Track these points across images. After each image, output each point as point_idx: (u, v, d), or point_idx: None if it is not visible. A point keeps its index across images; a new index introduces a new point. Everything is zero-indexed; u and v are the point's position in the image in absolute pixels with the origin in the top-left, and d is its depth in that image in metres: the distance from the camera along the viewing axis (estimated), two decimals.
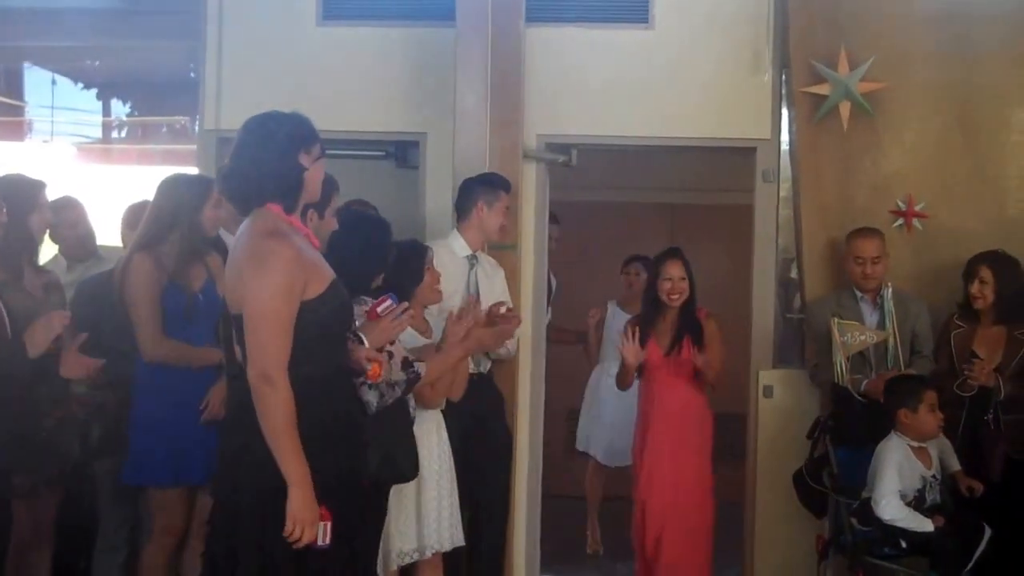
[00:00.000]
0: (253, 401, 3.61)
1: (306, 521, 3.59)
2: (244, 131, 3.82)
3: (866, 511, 5.61)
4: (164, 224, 5.05)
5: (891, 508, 5.51)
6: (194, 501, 5.04)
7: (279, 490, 3.60)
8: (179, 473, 4.95)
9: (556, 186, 7.03)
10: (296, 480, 3.59)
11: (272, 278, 3.62)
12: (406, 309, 4.28)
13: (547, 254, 7.36)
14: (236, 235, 3.88)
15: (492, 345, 5.37)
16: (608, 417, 7.82)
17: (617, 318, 7.74)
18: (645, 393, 6.39)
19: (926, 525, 5.48)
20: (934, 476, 5.63)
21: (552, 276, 7.77)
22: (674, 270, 6.26)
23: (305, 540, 3.59)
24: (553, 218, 7.57)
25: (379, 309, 4.21)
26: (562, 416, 8.38)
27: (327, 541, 3.65)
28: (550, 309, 7.72)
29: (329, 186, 4.18)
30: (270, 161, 3.75)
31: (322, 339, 3.73)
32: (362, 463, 3.97)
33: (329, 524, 3.65)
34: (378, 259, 4.76)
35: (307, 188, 3.83)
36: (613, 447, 7.80)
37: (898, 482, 5.54)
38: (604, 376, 7.79)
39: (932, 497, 5.59)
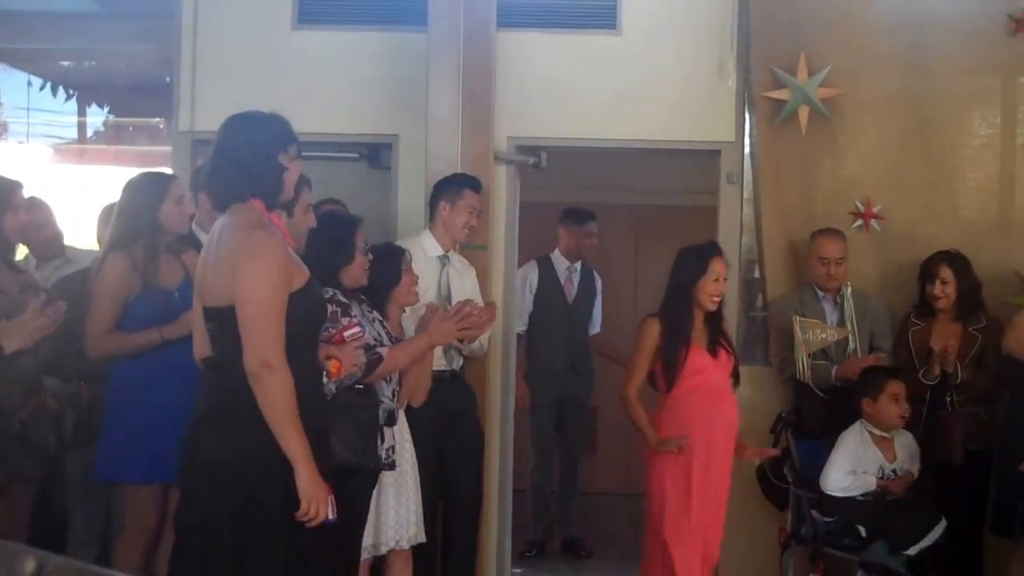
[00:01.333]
0: (252, 388, 3.66)
1: (319, 498, 3.67)
2: (228, 129, 3.89)
3: (825, 503, 5.78)
4: (130, 224, 5.08)
5: (834, 479, 5.73)
6: (167, 498, 4.98)
7: (259, 481, 3.67)
8: (153, 470, 4.92)
9: (526, 187, 7.13)
10: (302, 460, 3.66)
11: (267, 267, 3.70)
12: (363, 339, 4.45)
13: (591, 252, 7.73)
14: (214, 229, 3.91)
15: (456, 337, 5.27)
16: None
17: None
18: (687, 408, 5.56)
19: (869, 483, 5.68)
20: (894, 470, 5.77)
21: (596, 276, 7.99)
22: (722, 267, 5.67)
23: (320, 517, 3.68)
24: (591, 215, 7.73)
25: (346, 335, 4.34)
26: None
27: (334, 514, 3.75)
28: (601, 321, 8.01)
29: (300, 185, 4.26)
30: (254, 159, 3.82)
31: (299, 333, 3.79)
32: (331, 453, 4.05)
33: (332, 497, 3.75)
34: (344, 255, 4.83)
35: (285, 187, 3.92)
36: None
37: (848, 464, 5.72)
38: None
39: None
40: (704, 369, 5.55)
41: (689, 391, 5.54)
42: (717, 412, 5.56)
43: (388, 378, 4.92)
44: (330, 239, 4.66)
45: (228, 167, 3.86)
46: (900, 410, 5.76)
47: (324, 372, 4.22)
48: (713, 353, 5.59)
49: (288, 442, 3.66)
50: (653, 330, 5.57)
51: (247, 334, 3.68)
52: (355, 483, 4.60)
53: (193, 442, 3.85)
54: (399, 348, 4.87)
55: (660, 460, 5.54)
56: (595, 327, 7.98)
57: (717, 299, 5.59)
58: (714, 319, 5.66)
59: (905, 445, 5.85)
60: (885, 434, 5.78)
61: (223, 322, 3.77)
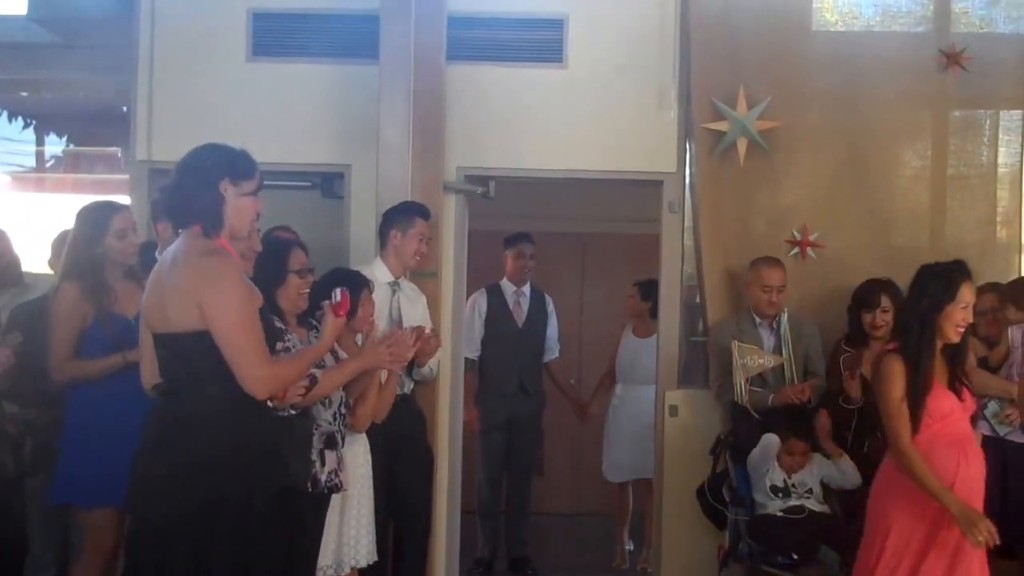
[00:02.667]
0: (262, 396, 3.83)
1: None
2: (183, 157, 3.99)
3: (756, 525, 5.94)
4: (80, 254, 5.14)
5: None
6: (124, 521, 4.91)
7: (209, 507, 3.74)
8: (108, 492, 4.83)
9: (475, 216, 7.27)
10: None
11: (232, 290, 3.77)
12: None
13: (530, 273, 7.85)
14: (164, 255, 3.97)
15: (388, 362, 5.08)
16: (616, 437, 8.14)
17: (628, 340, 8.12)
18: (928, 461, 4.64)
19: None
20: (796, 484, 5.97)
21: (548, 299, 8.12)
22: (971, 293, 4.83)
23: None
24: (527, 237, 7.87)
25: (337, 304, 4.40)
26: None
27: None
28: (559, 345, 8.16)
29: None
30: (192, 186, 3.89)
31: None
32: (285, 477, 4.05)
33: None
34: (275, 277, 4.87)
35: (229, 218, 3.92)
36: (626, 463, 8.11)
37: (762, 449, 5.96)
38: (615, 399, 8.18)
39: (796, 499, 5.95)
40: (949, 412, 4.73)
41: (931, 440, 4.68)
42: (965, 467, 4.69)
43: (326, 402, 4.96)
44: (262, 261, 4.65)
45: (172, 191, 3.95)
46: (791, 463, 5.99)
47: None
48: (957, 393, 4.79)
49: (303, 364, 4.10)
50: (898, 368, 4.69)
51: (235, 359, 3.76)
52: (300, 506, 4.64)
53: (141, 467, 3.89)
54: (331, 370, 4.88)
55: (896, 509, 4.73)
56: (552, 352, 8.11)
57: (963, 329, 4.76)
58: (956, 352, 4.83)
59: (816, 468, 6.05)
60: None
61: (176, 349, 3.83)
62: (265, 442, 3.90)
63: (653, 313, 7.96)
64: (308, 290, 5.01)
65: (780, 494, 5.94)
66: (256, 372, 3.77)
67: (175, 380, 3.87)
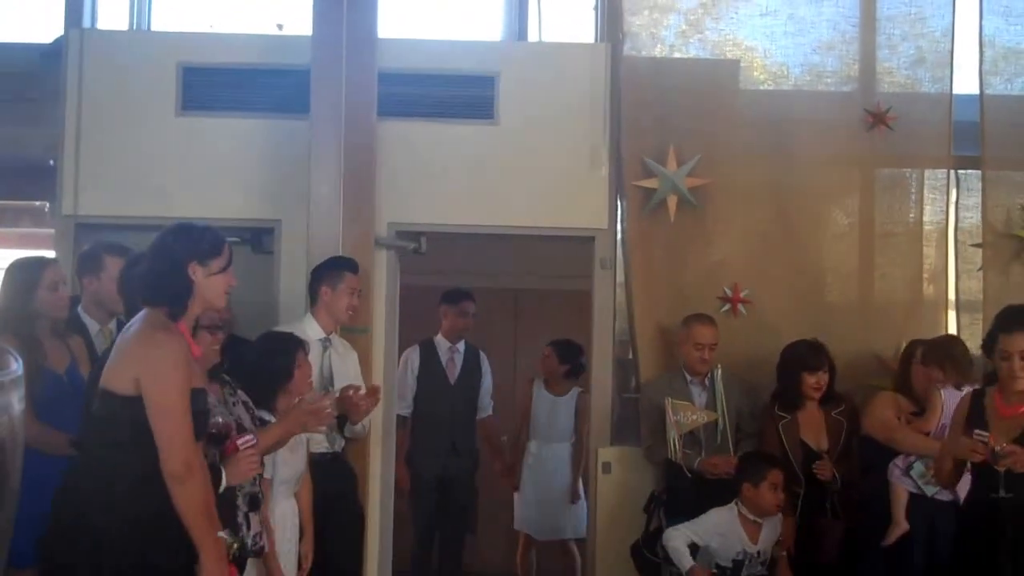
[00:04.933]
0: (172, 490, 3.81)
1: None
2: (154, 239, 4.08)
3: None
4: (10, 310, 5.12)
5: (673, 540, 5.82)
6: None
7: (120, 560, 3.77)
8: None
9: (407, 272, 7.25)
10: (212, 556, 3.86)
11: (175, 373, 3.85)
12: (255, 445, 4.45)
13: (468, 331, 7.82)
14: (129, 324, 4.07)
15: (312, 425, 5.05)
16: (530, 494, 8.10)
17: (542, 397, 8.08)
18: None
19: (687, 563, 5.75)
20: (758, 552, 5.84)
21: (483, 356, 8.06)
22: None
23: None
24: (469, 295, 7.85)
25: (239, 443, 4.36)
26: None
27: None
28: (492, 403, 8.08)
29: None
30: (160, 271, 3.99)
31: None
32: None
33: None
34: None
35: (200, 297, 4.03)
36: (541, 523, 8.09)
37: (703, 535, 5.81)
38: (529, 456, 8.11)
39: (751, 572, 5.81)
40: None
41: None
42: None
43: None
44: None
45: (144, 275, 4.04)
46: (777, 499, 5.83)
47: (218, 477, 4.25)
48: None
49: (203, 538, 3.85)
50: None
51: (164, 438, 3.83)
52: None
53: (55, 520, 3.96)
54: (260, 436, 4.83)
55: None
56: (485, 410, 8.05)
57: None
58: None
59: (770, 529, 5.91)
60: (758, 519, 5.85)
61: (103, 403, 3.89)
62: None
63: (568, 375, 8.01)
64: (218, 346, 4.91)
65: (728, 572, 5.81)
66: (181, 455, 3.84)
67: (87, 434, 3.95)
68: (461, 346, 7.96)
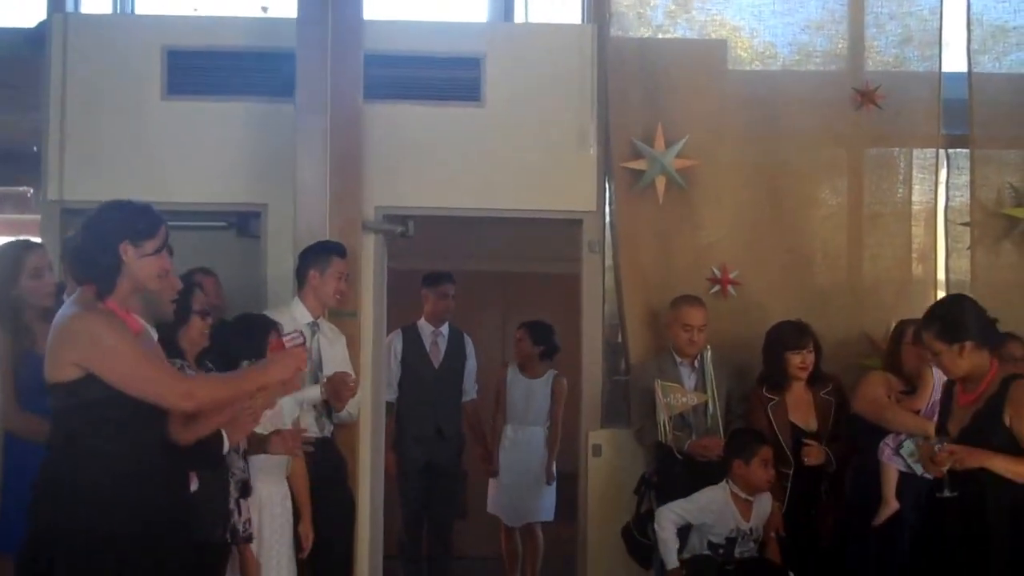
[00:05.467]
0: (193, 428, 3.88)
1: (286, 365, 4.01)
2: (88, 216, 3.98)
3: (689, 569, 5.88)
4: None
5: (663, 520, 5.84)
6: None
7: (95, 558, 3.73)
8: (6, 540, 4.70)
9: (395, 255, 7.22)
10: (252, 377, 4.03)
11: (117, 341, 3.77)
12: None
13: (450, 313, 7.78)
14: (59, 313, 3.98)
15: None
16: (506, 478, 8.06)
17: (517, 380, 8.05)
18: None
19: (670, 560, 5.79)
20: (751, 529, 5.87)
21: (467, 339, 8.03)
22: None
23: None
24: (449, 277, 7.83)
25: (286, 339, 4.26)
26: None
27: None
28: (477, 386, 8.06)
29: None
30: (89, 248, 3.90)
31: (143, 409, 3.83)
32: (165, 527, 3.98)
33: None
34: (179, 315, 4.77)
35: (131, 278, 3.91)
36: (513, 507, 8.06)
37: (696, 514, 5.84)
38: (505, 440, 8.09)
39: (744, 549, 5.84)
40: None
41: None
42: None
43: (238, 449, 4.88)
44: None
45: (74, 251, 3.97)
46: (768, 476, 5.86)
47: (223, 440, 4.21)
48: None
49: (243, 386, 4.01)
50: None
51: (150, 389, 3.79)
52: (208, 558, 4.61)
53: (32, 516, 3.89)
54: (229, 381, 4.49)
55: None
56: (469, 393, 8.04)
57: None
58: None
59: (762, 507, 5.95)
60: (748, 496, 5.88)
61: (54, 398, 3.86)
62: (157, 496, 3.89)
63: (543, 356, 7.99)
64: (208, 331, 4.94)
65: (720, 550, 5.84)
66: (175, 387, 3.82)
67: (52, 431, 3.88)
68: (445, 329, 7.93)
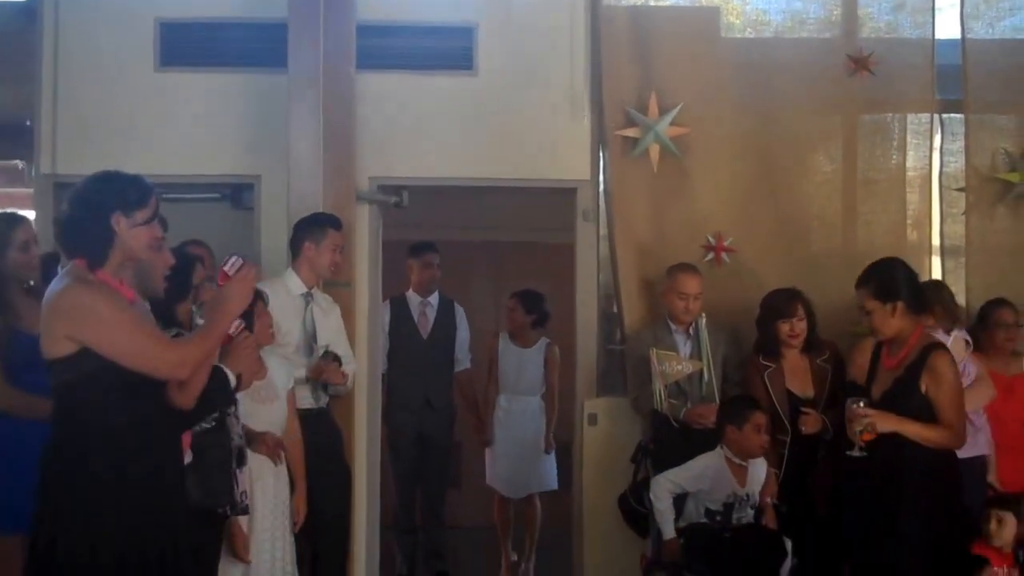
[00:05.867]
0: (187, 390, 3.87)
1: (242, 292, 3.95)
2: (75, 188, 3.93)
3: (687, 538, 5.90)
4: None
5: (659, 490, 5.87)
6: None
7: (101, 540, 3.73)
8: (15, 520, 4.69)
9: (388, 226, 7.21)
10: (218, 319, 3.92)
11: (107, 311, 3.74)
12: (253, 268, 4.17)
13: (436, 283, 7.78)
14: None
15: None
16: (502, 449, 8.05)
17: (509, 350, 8.02)
18: None
19: (667, 530, 5.82)
20: (747, 495, 5.88)
21: (458, 308, 8.03)
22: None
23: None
24: (431, 246, 7.82)
25: (227, 268, 4.05)
26: None
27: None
28: (469, 355, 8.05)
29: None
30: (81, 220, 3.85)
31: (138, 380, 3.81)
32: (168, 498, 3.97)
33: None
34: (179, 290, 4.78)
35: (123, 248, 3.88)
36: (513, 479, 8.05)
37: (691, 482, 5.86)
38: (499, 411, 8.07)
39: (740, 515, 5.85)
40: None
41: None
42: None
43: (236, 415, 4.90)
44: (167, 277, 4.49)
45: (64, 224, 3.92)
46: (762, 440, 5.86)
47: (226, 375, 4.16)
48: None
49: (214, 332, 3.91)
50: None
51: (141, 361, 3.75)
52: (202, 527, 4.58)
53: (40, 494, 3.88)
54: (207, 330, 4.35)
55: None
56: (462, 363, 8.04)
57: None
58: None
59: (756, 472, 5.96)
60: (742, 462, 5.89)
61: (53, 375, 3.83)
62: (155, 469, 3.88)
63: (535, 324, 7.98)
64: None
65: (718, 516, 5.85)
66: (167, 357, 3.79)
67: (65, 406, 3.85)
68: (434, 299, 7.93)
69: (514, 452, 8.00)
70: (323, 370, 5.94)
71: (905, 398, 5.04)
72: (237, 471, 4.85)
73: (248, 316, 4.70)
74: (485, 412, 8.13)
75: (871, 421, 4.98)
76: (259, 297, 5.21)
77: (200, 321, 4.56)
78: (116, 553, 3.72)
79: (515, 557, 8.12)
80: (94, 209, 3.84)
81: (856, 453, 5.02)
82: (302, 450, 5.60)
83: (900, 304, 5.08)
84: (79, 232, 3.86)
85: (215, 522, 4.84)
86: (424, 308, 7.89)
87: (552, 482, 8.08)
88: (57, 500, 3.77)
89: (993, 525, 5.50)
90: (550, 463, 8.06)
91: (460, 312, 8.02)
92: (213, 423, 4.63)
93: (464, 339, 8.02)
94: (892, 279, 5.16)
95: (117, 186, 3.89)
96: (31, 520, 3.85)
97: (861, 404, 5.00)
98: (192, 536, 4.05)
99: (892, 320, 5.11)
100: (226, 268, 4.02)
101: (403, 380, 7.68)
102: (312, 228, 6.13)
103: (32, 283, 5.22)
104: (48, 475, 3.82)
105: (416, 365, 7.75)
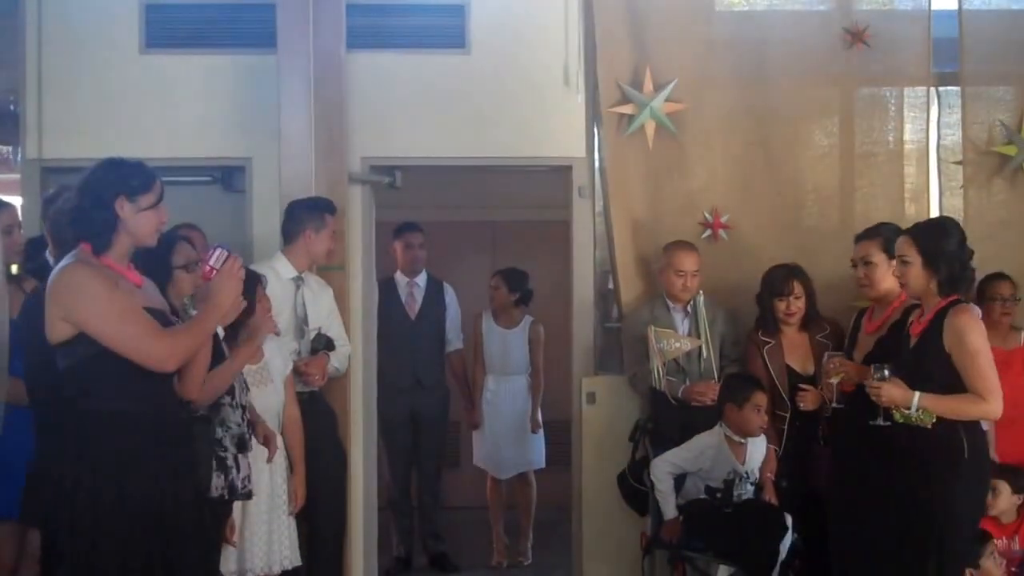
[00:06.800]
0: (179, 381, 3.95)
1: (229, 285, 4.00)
2: (81, 176, 4.00)
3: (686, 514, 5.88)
4: None
5: (659, 471, 5.88)
6: (24, 536, 4.97)
7: (100, 511, 3.76)
8: (9, 506, 4.82)
9: (382, 206, 7.16)
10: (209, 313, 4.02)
11: (100, 294, 3.79)
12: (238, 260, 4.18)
13: (421, 263, 7.74)
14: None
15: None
16: (491, 429, 8.02)
17: (492, 330, 7.98)
18: None
19: (668, 510, 5.83)
20: (747, 472, 5.86)
21: (448, 288, 7.98)
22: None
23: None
24: (414, 226, 7.77)
25: (212, 261, 4.10)
26: None
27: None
28: (461, 335, 8.01)
29: None
30: (85, 206, 3.93)
31: (127, 370, 3.85)
32: (173, 485, 4.00)
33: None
34: (160, 276, 4.66)
35: (128, 233, 3.96)
36: (501, 459, 8.02)
37: (691, 461, 5.87)
38: (487, 392, 8.03)
39: (740, 492, 5.81)
40: None
41: None
42: None
43: (234, 404, 4.86)
44: (143, 261, 4.43)
45: (71, 213, 3.98)
46: (760, 420, 5.86)
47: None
48: None
49: (204, 327, 4.02)
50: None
51: (131, 349, 3.81)
52: (210, 513, 4.60)
53: (42, 478, 3.95)
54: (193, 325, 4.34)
55: None
56: (453, 343, 8.00)
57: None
58: None
59: (756, 449, 5.95)
60: (741, 440, 5.88)
61: (60, 359, 3.86)
62: (156, 445, 3.91)
63: (519, 303, 7.93)
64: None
65: (718, 493, 5.81)
66: (156, 347, 3.84)
67: (71, 392, 3.87)
68: (422, 280, 7.90)
69: (501, 432, 7.97)
70: (301, 370, 5.88)
71: (928, 359, 4.90)
72: (239, 457, 4.82)
73: (250, 300, 4.71)
74: (474, 393, 8.09)
75: (846, 370, 5.17)
76: (258, 281, 5.19)
77: (194, 313, 4.53)
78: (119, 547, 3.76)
79: (507, 540, 8.09)
80: (98, 195, 3.93)
81: (834, 405, 5.21)
82: (302, 435, 5.56)
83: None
84: (83, 218, 3.93)
85: (213, 505, 4.79)
86: (412, 289, 7.86)
87: (540, 460, 8.06)
88: (65, 486, 3.80)
89: (988, 495, 5.47)
90: (538, 442, 8.04)
91: (450, 292, 7.98)
92: (204, 410, 4.60)
93: (454, 319, 7.98)
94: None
95: (120, 172, 3.99)
96: (42, 508, 3.93)
97: (885, 372, 4.90)
98: (198, 519, 4.12)
99: (888, 276, 5.29)
100: (211, 262, 4.08)
101: (392, 360, 7.59)
102: (311, 214, 6.09)
103: (15, 269, 5.21)
104: (58, 462, 3.86)
105: (404, 346, 7.71)
